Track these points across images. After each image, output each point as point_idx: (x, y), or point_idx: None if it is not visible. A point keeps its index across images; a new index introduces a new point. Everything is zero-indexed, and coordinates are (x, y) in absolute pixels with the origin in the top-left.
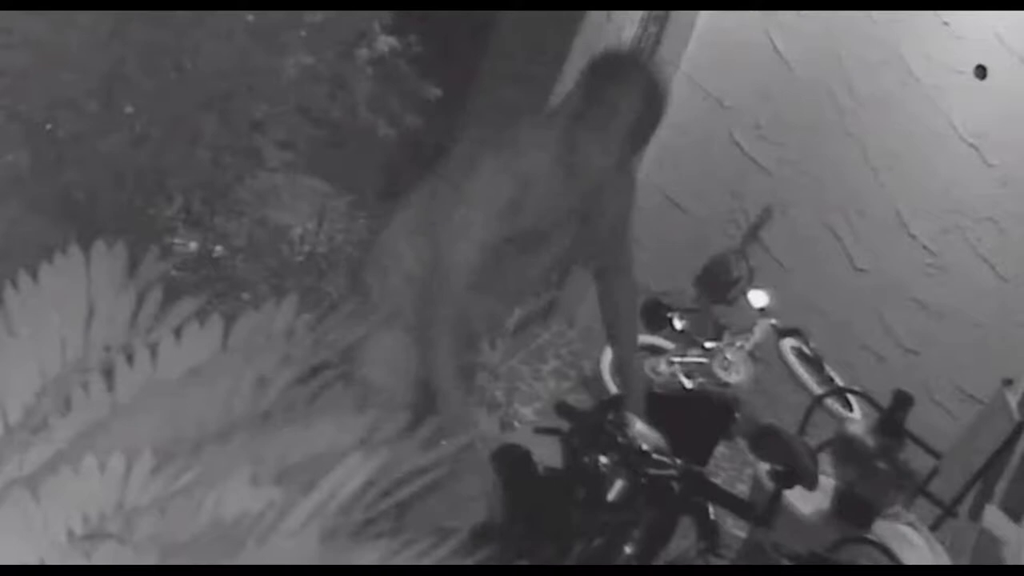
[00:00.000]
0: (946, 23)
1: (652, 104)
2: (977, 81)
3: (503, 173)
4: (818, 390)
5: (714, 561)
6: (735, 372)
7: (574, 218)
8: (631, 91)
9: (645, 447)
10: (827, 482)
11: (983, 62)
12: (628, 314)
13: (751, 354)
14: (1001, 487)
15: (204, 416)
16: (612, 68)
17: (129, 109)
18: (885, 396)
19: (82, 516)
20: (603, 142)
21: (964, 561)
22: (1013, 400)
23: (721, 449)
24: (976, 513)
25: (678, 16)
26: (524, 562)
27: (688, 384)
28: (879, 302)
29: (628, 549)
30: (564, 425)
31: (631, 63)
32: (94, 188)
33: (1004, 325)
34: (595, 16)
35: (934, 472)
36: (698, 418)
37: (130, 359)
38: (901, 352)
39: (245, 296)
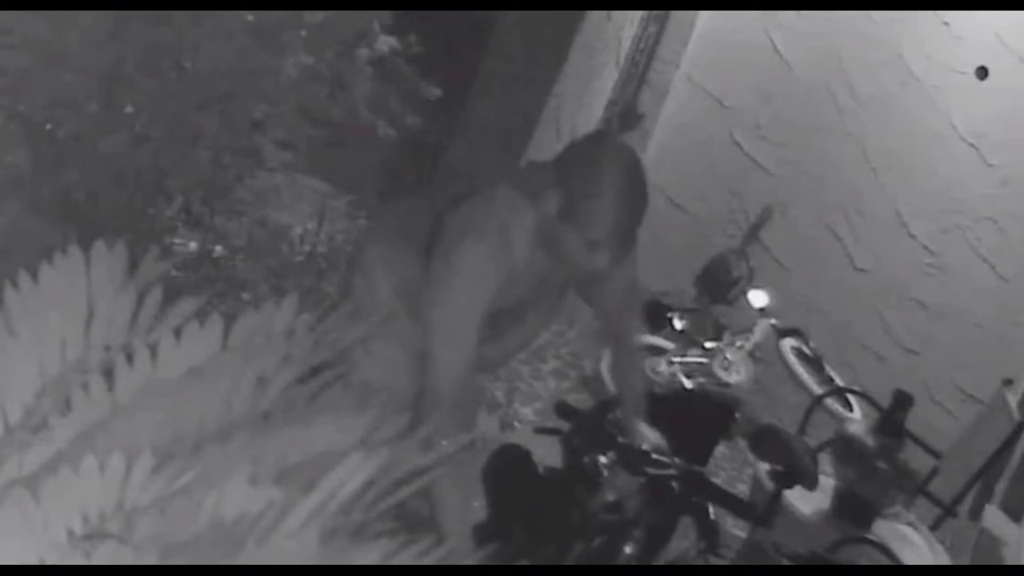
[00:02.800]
0: (946, 23)
1: (633, 194)
2: (977, 81)
3: (490, 263)
4: (818, 390)
5: (714, 561)
6: (735, 372)
7: (563, 288)
8: (610, 187)
9: (645, 447)
10: (827, 482)
11: (983, 62)
12: (628, 310)
13: (751, 354)
14: (1001, 487)
15: (204, 416)
16: (584, 162)
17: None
18: (885, 396)
19: (82, 516)
20: (589, 242)
21: (964, 561)
22: (1013, 400)
23: (721, 449)
24: (976, 513)
25: (678, 16)
26: (524, 562)
27: (688, 384)
28: (879, 302)
29: (628, 549)
30: (564, 425)
31: (602, 151)
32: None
33: (1004, 325)
34: (595, 16)
35: (934, 472)
36: (698, 418)
37: (130, 359)
38: (901, 352)
39: (245, 296)
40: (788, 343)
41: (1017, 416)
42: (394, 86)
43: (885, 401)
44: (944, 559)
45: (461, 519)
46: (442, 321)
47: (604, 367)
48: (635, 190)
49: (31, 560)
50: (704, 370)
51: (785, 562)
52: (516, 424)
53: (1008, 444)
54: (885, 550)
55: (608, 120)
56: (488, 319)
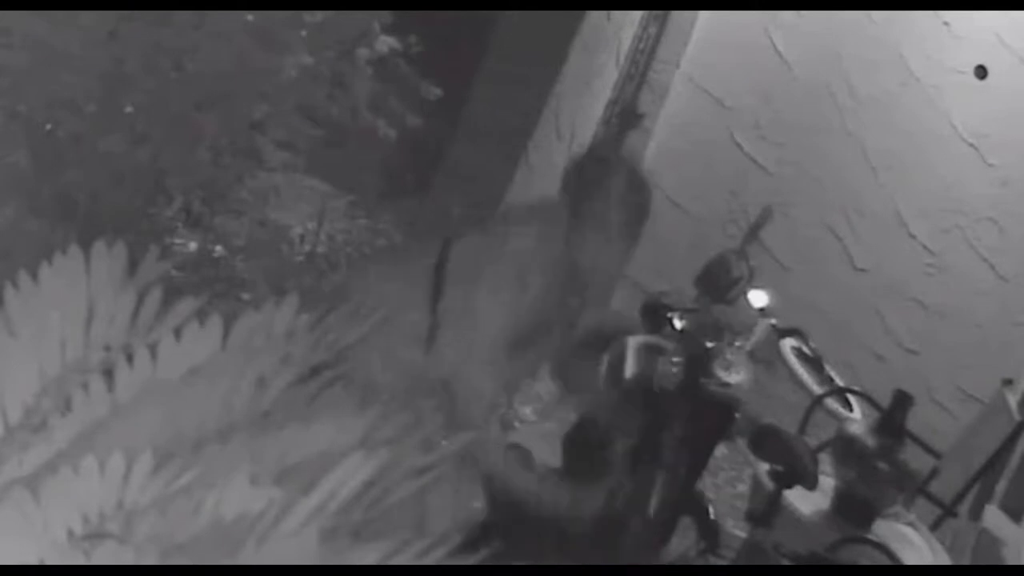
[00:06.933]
0: (946, 23)
1: (638, 201)
2: (977, 81)
3: (504, 291)
4: (818, 390)
5: (714, 561)
6: (735, 372)
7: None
8: (614, 195)
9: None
10: (827, 482)
11: (983, 62)
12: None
13: (751, 354)
14: (1001, 487)
15: (204, 416)
16: (590, 177)
17: (129, 109)
18: (885, 396)
19: (82, 516)
20: (601, 245)
21: (964, 561)
22: (1013, 400)
23: (721, 449)
24: (976, 513)
25: (678, 16)
26: (524, 562)
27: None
28: (879, 302)
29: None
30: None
31: (607, 167)
32: (94, 188)
33: (1004, 325)
34: (595, 16)
35: (934, 472)
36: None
37: (130, 359)
38: (901, 352)
39: (245, 296)
40: (788, 343)
41: (1017, 416)
42: (394, 86)
43: (885, 401)
44: (944, 559)
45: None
46: (465, 351)
47: (604, 367)
48: (639, 196)
49: (31, 560)
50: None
51: (785, 562)
52: (516, 424)
53: (1008, 444)
54: (885, 550)
55: (608, 120)
56: (507, 349)
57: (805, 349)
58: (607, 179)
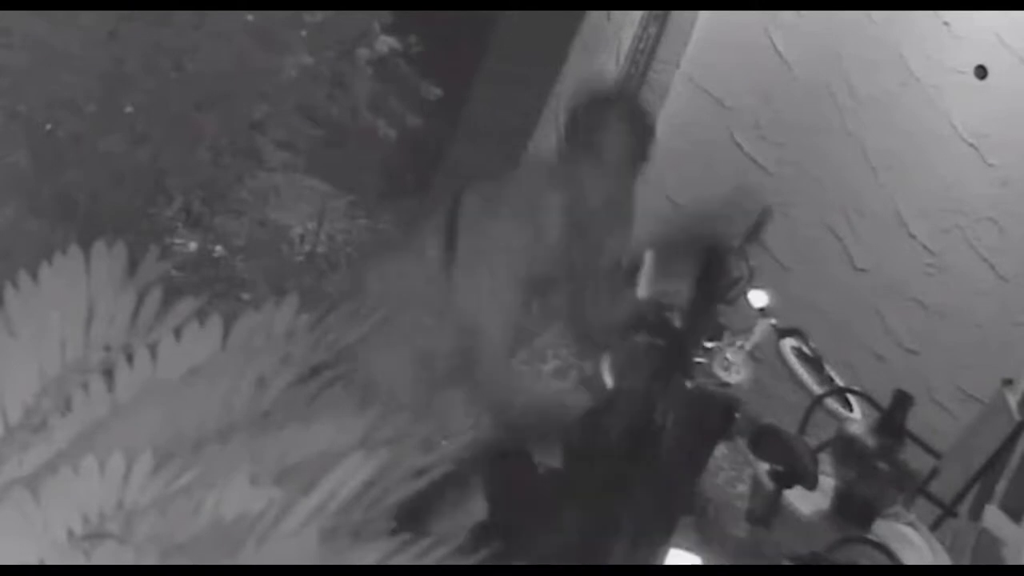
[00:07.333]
0: (946, 23)
1: (640, 131)
2: (977, 81)
3: (519, 231)
4: (818, 390)
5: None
6: (735, 372)
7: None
8: (616, 127)
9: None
10: (827, 482)
11: (983, 62)
12: None
13: (751, 354)
14: (1001, 487)
15: (204, 416)
16: (592, 111)
17: (129, 109)
18: (885, 396)
19: (82, 516)
20: (602, 176)
21: (964, 561)
22: (1013, 400)
23: (721, 449)
24: (976, 513)
25: (678, 16)
26: (524, 562)
27: (688, 384)
28: (879, 302)
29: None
30: None
31: (609, 101)
32: (94, 188)
33: (1004, 325)
34: (595, 16)
35: (934, 472)
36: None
37: (130, 359)
38: (901, 352)
39: (245, 296)
40: (788, 343)
41: (1017, 416)
42: (394, 86)
43: (885, 401)
44: (944, 559)
45: None
46: (483, 291)
47: (604, 367)
48: (641, 126)
49: (31, 560)
50: (704, 370)
51: (785, 562)
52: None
53: (1008, 444)
54: (885, 550)
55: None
56: (523, 291)
57: (805, 349)
58: (608, 113)
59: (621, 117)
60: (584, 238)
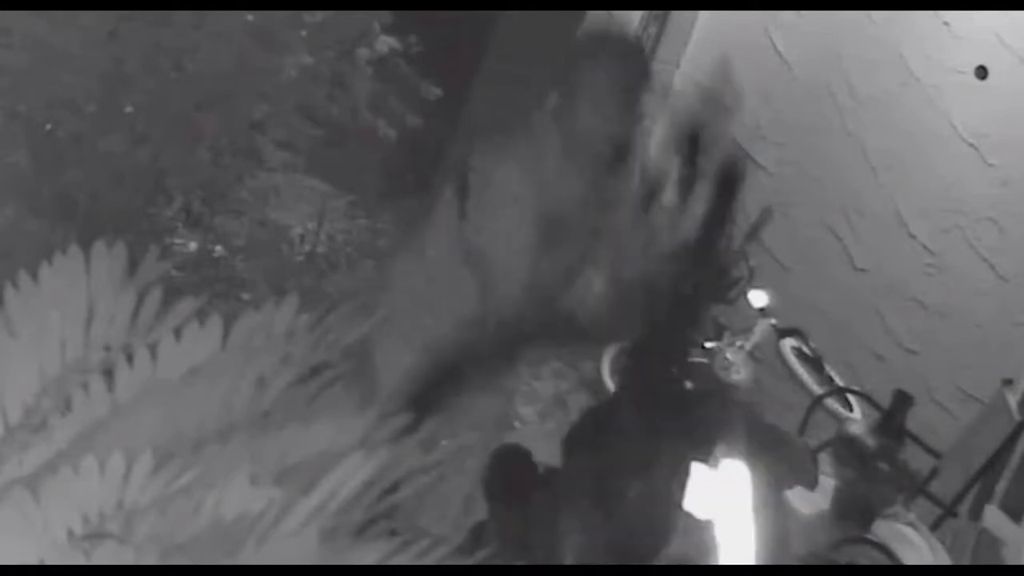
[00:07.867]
0: (946, 23)
1: (632, 66)
2: (977, 81)
3: (526, 178)
4: (818, 390)
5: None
6: (735, 372)
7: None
8: (609, 60)
9: None
10: (827, 482)
11: (983, 62)
12: None
13: (751, 354)
14: (1001, 487)
15: (204, 416)
16: (585, 50)
17: (129, 109)
18: (885, 396)
19: (82, 516)
20: (599, 110)
21: (964, 561)
22: (1013, 400)
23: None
24: (976, 513)
25: (678, 16)
26: (524, 562)
27: (688, 384)
28: (879, 302)
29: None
30: None
31: (601, 39)
32: (94, 188)
33: (1004, 325)
34: (595, 16)
35: (934, 472)
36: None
37: (130, 359)
38: (901, 352)
39: (245, 296)
40: (788, 343)
41: (1017, 416)
42: (394, 86)
43: (885, 401)
44: (944, 559)
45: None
46: (496, 232)
47: (604, 367)
48: (634, 58)
49: (31, 560)
50: (704, 370)
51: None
52: (516, 424)
53: (1008, 444)
54: (885, 550)
55: None
56: (536, 230)
57: (805, 349)
58: (600, 50)
59: (612, 54)
60: (587, 177)
